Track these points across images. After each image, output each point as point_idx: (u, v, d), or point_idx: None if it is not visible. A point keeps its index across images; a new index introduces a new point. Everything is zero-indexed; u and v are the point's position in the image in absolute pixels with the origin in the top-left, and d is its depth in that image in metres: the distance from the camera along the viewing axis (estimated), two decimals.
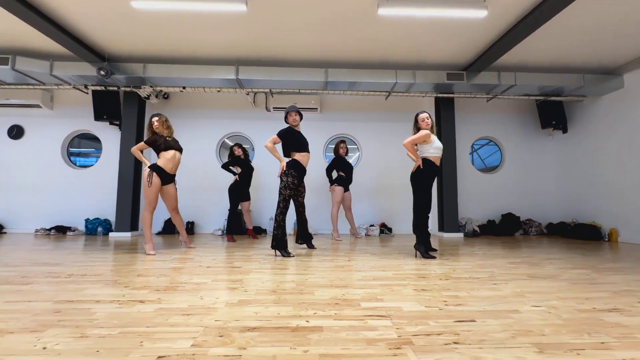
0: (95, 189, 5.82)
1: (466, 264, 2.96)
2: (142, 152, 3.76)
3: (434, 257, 3.26)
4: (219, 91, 5.14)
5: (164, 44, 4.40)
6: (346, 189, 5.01)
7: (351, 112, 6.20)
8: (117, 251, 3.64)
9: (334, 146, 6.23)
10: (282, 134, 3.48)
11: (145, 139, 3.74)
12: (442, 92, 5.31)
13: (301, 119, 3.64)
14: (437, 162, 3.36)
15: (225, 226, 5.69)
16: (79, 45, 4.29)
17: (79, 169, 5.95)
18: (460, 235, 5.49)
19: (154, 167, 3.48)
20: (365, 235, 5.69)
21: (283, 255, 3.28)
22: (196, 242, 4.59)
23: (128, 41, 4.36)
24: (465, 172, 6.08)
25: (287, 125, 3.57)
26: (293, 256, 3.29)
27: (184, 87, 5.08)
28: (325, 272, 2.57)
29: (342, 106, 6.19)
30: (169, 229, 5.72)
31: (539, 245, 4.36)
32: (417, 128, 3.49)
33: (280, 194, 3.37)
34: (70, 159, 6.07)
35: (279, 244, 3.31)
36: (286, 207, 3.37)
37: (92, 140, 6.18)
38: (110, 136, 5.88)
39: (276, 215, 3.33)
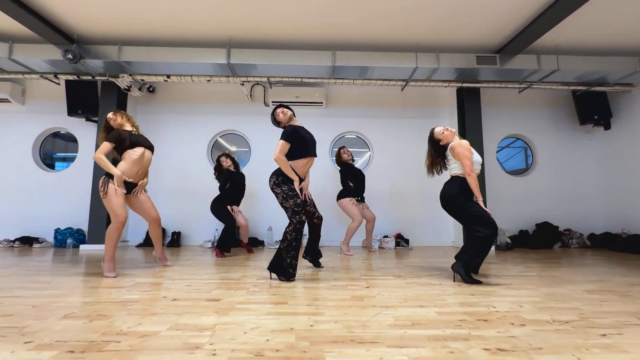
0: (69, 195, 5.09)
1: (529, 293, 2.16)
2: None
3: (479, 282, 2.46)
4: (208, 80, 4.44)
5: (142, 22, 3.72)
6: (360, 200, 4.29)
7: (361, 107, 5.46)
8: (73, 270, 2.87)
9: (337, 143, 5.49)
10: (288, 136, 2.60)
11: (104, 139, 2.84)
12: (467, 80, 4.56)
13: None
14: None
15: (216, 238, 4.92)
16: (43, 24, 3.62)
17: (51, 172, 5.24)
18: (491, 249, 4.66)
19: (111, 175, 2.73)
20: (379, 247, 4.89)
21: (280, 279, 2.50)
22: (179, 257, 3.82)
23: (101, 20, 3.68)
24: (492, 175, 5.29)
25: (290, 125, 2.74)
26: (293, 280, 2.51)
27: (168, 76, 4.38)
28: (339, 310, 1.78)
29: (350, 100, 5.46)
30: (150, 240, 4.94)
31: (595, 263, 3.54)
32: (437, 146, 2.79)
33: (286, 210, 2.59)
34: (42, 161, 5.37)
35: (280, 269, 2.50)
36: (301, 223, 2.51)
37: (71, 141, 5.48)
38: (87, 135, 5.18)
39: (286, 232, 2.52)
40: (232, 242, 4.00)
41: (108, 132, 2.93)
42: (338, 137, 5.56)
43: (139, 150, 2.84)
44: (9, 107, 5.22)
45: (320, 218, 2.89)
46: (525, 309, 1.82)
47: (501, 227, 5.14)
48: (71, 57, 3.77)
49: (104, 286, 2.29)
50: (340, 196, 4.25)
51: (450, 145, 2.68)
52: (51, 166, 5.50)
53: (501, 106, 5.41)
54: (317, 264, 3.06)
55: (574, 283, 2.49)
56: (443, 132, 2.74)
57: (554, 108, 5.52)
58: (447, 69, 4.21)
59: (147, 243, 4.92)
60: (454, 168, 2.69)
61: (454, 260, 2.58)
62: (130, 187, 2.84)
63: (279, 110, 2.79)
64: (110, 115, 2.95)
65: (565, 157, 5.47)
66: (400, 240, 4.91)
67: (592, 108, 4.99)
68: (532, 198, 5.35)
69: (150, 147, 2.96)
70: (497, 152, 5.63)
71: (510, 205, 5.30)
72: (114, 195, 2.64)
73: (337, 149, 4.39)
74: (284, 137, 2.61)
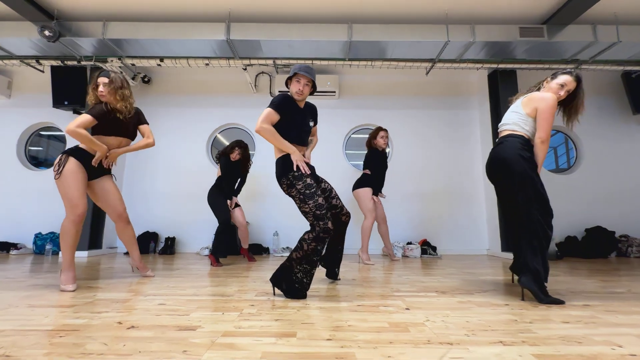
0: (54, 196, 4.57)
1: (633, 321, 1.47)
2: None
3: (561, 302, 1.77)
4: (207, 64, 3.91)
5: None
6: (375, 192, 3.56)
7: (377, 97, 4.86)
8: (28, 282, 2.29)
9: (351, 137, 4.90)
10: (278, 104, 1.98)
11: (88, 108, 2.22)
12: (503, 61, 3.92)
13: (313, 91, 2.11)
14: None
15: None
16: None
17: (36, 171, 4.75)
18: None
19: (71, 151, 2.14)
20: (403, 256, 4.20)
21: (287, 297, 1.86)
22: (169, 265, 3.22)
23: None
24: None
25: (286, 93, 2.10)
26: (304, 296, 1.86)
27: (161, 60, 3.87)
28: (379, 349, 1.13)
29: (365, 89, 4.88)
30: (143, 244, 4.38)
31: None
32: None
33: (306, 215, 1.90)
34: (28, 159, 4.89)
35: (287, 284, 1.87)
36: (326, 231, 1.82)
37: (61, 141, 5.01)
38: None
39: (303, 239, 1.84)
40: (228, 246, 3.36)
41: (95, 96, 2.26)
42: (353, 130, 4.95)
43: (114, 141, 2.29)
44: None
45: (348, 215, 2.23)
46: None
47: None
48: (49, 34, 3.30)
49: (48, 304, 1.69)
50: (359, 185, 3.51)
51: (531, 94, 2.00)
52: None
53: None
54: (332, 275, 2.38)
55: None
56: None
57: (601, 96, 4.82)
58: (482, 46, 3.59)
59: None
60: (516, 123, 2.01)
61: (505, 271, 1.92)
62: (92, 172, 2.23)
63: (302, 76, 2.00)
64: (102, 80, 2.22)
65: (617, 151, 4.74)
66: (427, 248, 4.22)
67: None
68: (577, 199, 4.61)
69: (130, 135, 2.37)
70: None
71: (554, 207, 4.55)
72: (72, 178, 2.05)
73: (374, 129, 3.63)
74: (272, 105, 1.98)
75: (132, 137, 2.41)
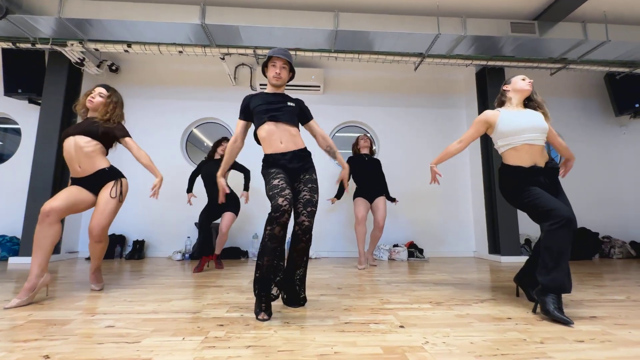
0: (5, 195, 4.09)
1: None
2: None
3: (567, 322, 1.56)
4: (180, 52, 3.58)
5: None
6: (370, 198, 3.44)
7: (364, 94, 4.67)
8: None
9: (336, 135, 4.70)
10: (241, 109, 1.91)
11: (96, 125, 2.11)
12: (494, 57, 3.81)
13: (292, 76, 1.95)
14: (515, 160, 1.85)
15: (187, 248, 3.98)
16: None
17: None
18: (524, 258, 3.86)
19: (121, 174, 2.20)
20: (389, 259, 4.02)
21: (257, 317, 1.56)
22: (134, 274, 2.87)
23: None
24: None
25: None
26: (266, 319, 1.54)
27: (129, 45, 3.50)
28: None
29: (351, 85, 4.67)
30: (108, 249, 3.97)
31: None
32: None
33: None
34: None
35: (258, 291, 1.62)
36: (276, 209, 1.56)
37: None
38: (32, 120, 4.22)
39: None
40: (206, 248, 3.04)
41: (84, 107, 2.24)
42: (337, 128, 4.73)
43: (65, 144, 2.07)
44: None
45: (306, 231, 1.68)
46: None
47: (530, 234, 4.36)
48: None
49: None
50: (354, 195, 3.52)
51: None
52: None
53: None
54: (289, 302, 1.79)
55: None
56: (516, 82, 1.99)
57: (584, 98, 4.83)
58: (472, 41, 3.45)
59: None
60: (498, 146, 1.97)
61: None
62: (85, 183, 2.07)
63: (276, 58, 1.85)
64: (99, 90, 2.20)
65: (600, 152, 4.76)
66: (414, 250, 4.06)
67: (634, 94, 4.30)
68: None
69: (82, 132, 2.06)
70: None
71: None
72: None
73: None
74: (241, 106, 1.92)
75: (84, 132, 2.07)
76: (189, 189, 3.34)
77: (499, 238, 3.91)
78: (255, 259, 1.79)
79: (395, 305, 1.82)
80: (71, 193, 2.00)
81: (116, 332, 1.35)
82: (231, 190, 3.11)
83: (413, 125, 4.67)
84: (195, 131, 4.71)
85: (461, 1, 3.27)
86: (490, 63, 3.87)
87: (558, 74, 4.30)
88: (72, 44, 3.50)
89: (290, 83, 4.26)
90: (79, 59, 3.73)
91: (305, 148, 1.88)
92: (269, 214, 1.58)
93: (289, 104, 1.86)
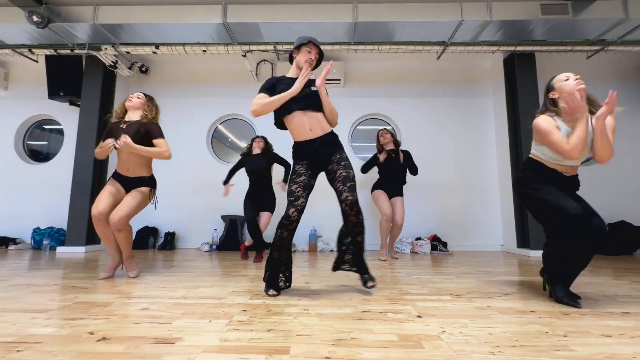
0: (52, 190, 4.47)
1: None
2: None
3: (576, 305, 1.58)
4: (204, 51, 3.71)
5: None
6: (390, 194, 3.42)
7: (385, 85, 4.61)
8: (17, 283, 2.15)
9: (357, 128, 4.68)
10: (266, 86, 1.91)
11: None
12: (522, 42, 3.63)
13: (319, 60, 1.97)
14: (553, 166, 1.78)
15: (214, 239, 4.17)
16: None
17: (35, 165, 4.66)
18: None
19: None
20: (411, 252, 3.99)
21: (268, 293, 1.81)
22: (166, 263, 3.07)
23: None
24: None
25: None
26: (274, 294, 1.79)
27: (157, 47, 3.68)
28: None
29: (372, 77, 4.62)
30: (142, 240, 4.25)
31: None
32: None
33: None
34: (27, 153, 4.80)
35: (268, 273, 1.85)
36: (293, 206, 1.75)
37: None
38: (73, 121, 4.56)
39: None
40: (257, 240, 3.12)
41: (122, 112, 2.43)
42: (359, 121, 4.72)
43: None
44: None
45: (352, 205, 1.78)
46: None
47: None
48: (37, 19, 3.13)
49: (22, 308, 1.54)
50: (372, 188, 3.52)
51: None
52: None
53: None
54: (363, 282, 1.89)
55: None
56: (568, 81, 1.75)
57: (626, 81, 4.48)
58: (498, 26, 3.30)
59: (136, 245, 4.22)
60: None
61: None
62: (124, 182, 2.30)
63: (306, 46, 1.92)
64: (136, 94, 2.39)
65: (639, 142, 4.41)
66: (438, 244, 4.00)
67: None
68: (598, 193, 4.31)
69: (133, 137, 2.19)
70: None
71: None
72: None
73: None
74: (260, 89, 1.93)
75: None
76: (227, 181, 3.40)
77: (528, 231, 3.75)
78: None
79: (414, 296, 1.83)
80: (111, 193, 2.21)
81: (150, 314, 1.47)
82: (271, 190, 3.26)
83: (436, 116, 4.55)
84: (220, 127, 4.87)
85: None
86: (519, 48, 3.68)
87: (597, 57, 4.02)
88: (105, 48, 3.73)
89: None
90: (112, 62, 3.97)
91: (332, 131, 1.92)
92: (282, 218, 1.77)
93: (312, 88, 1.89)
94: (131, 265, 2.33)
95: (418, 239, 4.15)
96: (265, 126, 4.59)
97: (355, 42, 3.56)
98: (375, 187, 3.47)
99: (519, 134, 3.95)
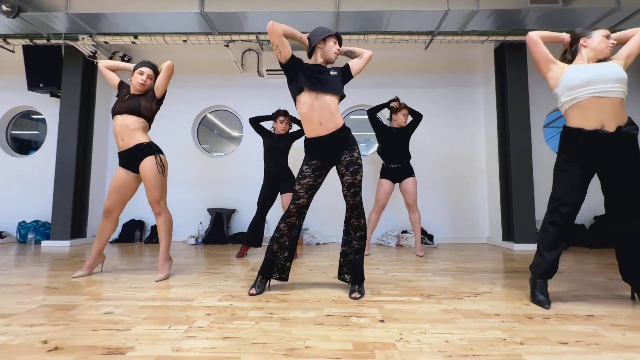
0: (37, 183, 4.43)
1: None
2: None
3: (543, 304, 1.66)
4: (185, 41, 3.59)
5: None
6: (394, 179, 3.24)
7: (374, 75, 4.51)
8: None
9: (351, 117, 4.61)
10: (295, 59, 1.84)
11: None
12: (512, 32, 3.52)
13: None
14: (578, 120, 1.65)
15: (200, 233, 4.16)
16: None
17: (19, 157, 4.60)
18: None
19: (160, 150, 2.33)
20: (397, 245, 4.01)
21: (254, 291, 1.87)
22: (149, 258, 3.06)
23: None
24: (541, 157, 4.25)
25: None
26: (253, 293, 1.85)
27: (135, 37, 3.56)
28: None
29: None
30: (128, 233, 4.25)
31: None
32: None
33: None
34: (10, 144, 4.73)
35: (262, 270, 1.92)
36: (288, 215, 1.88)
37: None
38: (55, 112, 4.47)
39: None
40: (260, 235, 3.04)
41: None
42: (348, 112, 4.64)
43: (116, 120, 2.21)
44: None
45: (354, 207, 1.85)
46: None
47: None
48: (6, 8, 3.00)
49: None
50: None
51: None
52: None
53: None
54: (350, 291, 1.85)
55: None
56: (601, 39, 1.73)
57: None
58: (487, 15, 3.19)
59: (123, 239, 4.22)
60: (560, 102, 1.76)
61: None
62: (126, 159, 2.23)
63: (329, 37, 1.90)
64: (143, 68, 2.26)
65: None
66: (423, 237, 4.00)
67: None
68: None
69: (131, 110, 2.17)
70: (547, 125, 4.56)
71: None
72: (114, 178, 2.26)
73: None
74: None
75: (131, 111, 2.17)
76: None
77: (513, 224, 3.75)
78: (266, 244, 2.09)
79: (384, 297, 1.83)
80: (118, 185, 2.21)
81: (112, 318, 1.46)
82: (290, 170, 3.13)
83: (425, 106, 4.47)
84: (210, 116, 4.79)
85: None
86: (509, 38, 3.58)
87: None
88: (83, 38, 3.61)
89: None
90: (91, 52, 3.86)
91: (344, 125, 1.88)
92: (284, 212, 1.90)
93: (332, 73, 1.86)
94: (162, 266, 2.24)
95: (404, 231, 4.15)
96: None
97: (340, 32, 3.44)
98: (381, 174, 3.27)
99: (507, 125, 3.89)
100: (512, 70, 3.87)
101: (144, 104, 2.20)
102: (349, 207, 1.87)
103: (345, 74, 1.93)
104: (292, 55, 1.81)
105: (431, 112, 4.44)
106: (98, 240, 2.29)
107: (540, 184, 4.05)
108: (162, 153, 2.28)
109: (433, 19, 3.21)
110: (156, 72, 2.29)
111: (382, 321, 1.45)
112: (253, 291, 1.85)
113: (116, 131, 2.20)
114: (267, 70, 4.31)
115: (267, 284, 1.95)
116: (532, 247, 3.65)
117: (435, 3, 3.08)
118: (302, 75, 1.80)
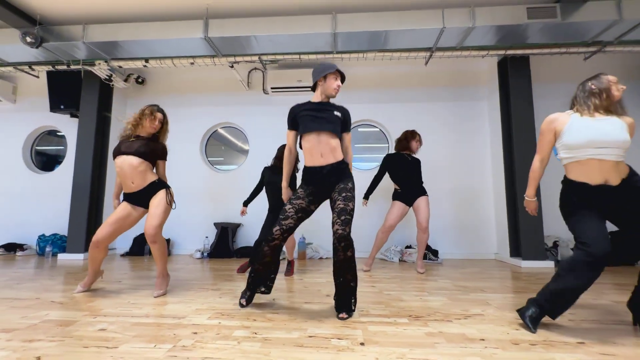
0: (57, 198, 4.70)
1: None
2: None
3: (531, 329, 1.61)
4: (192, 63, 3.78)
5: None
6: (408, 201, 3.22)
7: (376, 91, 4.56)
8: (5, 296, 2.30)
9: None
10: (289, 121, 2.07)
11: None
12: (512, 46, 3.51)
13: (342, 81, 2.04)
14: (580, 175, 1.60)
15: (206, 247, 4.26)
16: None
17: (41, 174, 4.89)
18: (548, 264, 3.57)
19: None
20: (400, 260, 3.96)
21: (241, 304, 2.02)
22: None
23: None
24: (548, 170, 4.12)
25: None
26: (243, 304, 2.01)
27: (146, 61, 3.78)
28: None
29: (363, 83, 4.58)
30: (138, 247, 4.41)
31: None
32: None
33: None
34: (34, 162, 5.05)
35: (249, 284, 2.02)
36: (270, 234, 1.93)
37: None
38: (75, 132, 4.75)
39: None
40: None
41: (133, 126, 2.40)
42: (352, 126, 4.68)
43: (117, 161, 2.29)
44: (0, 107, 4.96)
45: (341, 239, 1.76)
46: None
47: (559, 235, 4.00)
48: (31, 40, 3.28)
49: None
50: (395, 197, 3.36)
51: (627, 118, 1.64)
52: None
53: (558, 81, 4.24)
54: (338, 311, 1.85)
55: None
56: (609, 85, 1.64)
57: (633, 80, 4.24)
58: (486, 30, 3.20)
59: (133, 252, 4.38)
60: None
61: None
62: (136, 198, 2.33)
63: (331, 74, 2.00)
64: (148, 109, 2.37)
65: None
66: (427, 253, 3.94)
67: None
68: None
69: (135, 152, 2.26)
70: None
71: None
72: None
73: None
74: (288, 125, 2.09)
75: (136, 153, 2.26)
76: (248, 202, 3.22)
77: (520, 240, 3.65)
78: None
79: (372, 318, 1.83)
80: (118, 218, 2.28)
81: (105, 335, 1.54)
82: None
83: (430, 121, 4.47)
84: (221, 130, 4.96)
85: None
86: (510, 52, 3.56)
87: (596, 58, 3.83)
88: (99, 63, 3.86)
89: (300, 85, 4.31)
90: (107, 75, 4.11)
91: (343, 160, 1.97)
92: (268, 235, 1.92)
93: (335, 113, 1.97)
94: (161, 283, 2.33)
95: (408, 247, 4.11)
96: (257, 137, 4.65)
97: (339, 51, 3.54)
98: (394, 197, 3.27)
99: (512, 138, 3.83)
100: (515, 82, 3.83)
101: (152, 148, 2.31)
102: (337, 237, 1.75)
103: (344, 125, 2.02)
104: (292, 123, 2.04)
105: (435, 126, 4.43)
106: (92, 265, 2.33)
107: (548, 198, 3.93)
108: (170, 187, 2.41)
109: (430, 36, 3.24)
110: (165, 117, 2.43)
111: (362, 344, 1.46)
112: (243, 302, 1.97)
113: (125, 173, 2.25)
114: (271, 88, 4.45)
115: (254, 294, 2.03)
116: (540, 264, 3.54)
117: (431, 21, 3.12)
118: (304, 121, 1.94)
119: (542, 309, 1.64)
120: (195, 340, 1.49)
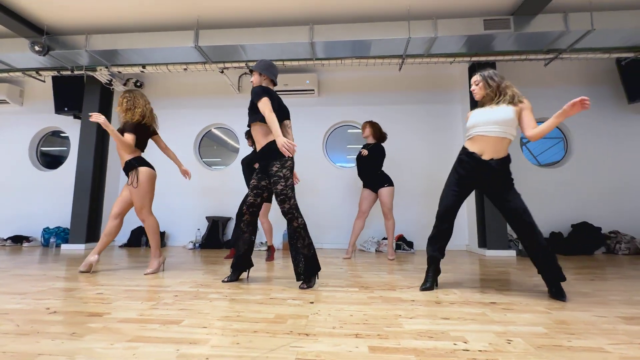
0: (61, 194, 5.04)
1: (533, 319, 1.50)
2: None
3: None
4: (185, 69, 4.13)
5: (109, 8, 3.49)
6: (372, 188, 3.50)
7: (358, 94, 4.89)
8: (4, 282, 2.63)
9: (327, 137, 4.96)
10: (268, 90, 2.15)
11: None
12: (479, 53, 3.84)
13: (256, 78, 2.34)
14: (472, 148, 2.08)
15: (198, 238, 4.59)
16: (8, 17, 3.51)
17: (46, 172, 5.24)
18: (510, 253, 3.88)
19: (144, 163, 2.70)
20: (376, 251, 4.28)
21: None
22: (147, 260, 3.50)
23: (68, 8, 3.50)
24: (517, 167, 4.46)
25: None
26: (225, 280, 2.31)
27: (143, 67, 4.13)
28: (241, 337, 1.28)
29: (345, 87, 4.92)
30: (136, 238, 4.74)
31: None
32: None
33: (288, 199, 2.15)
34: (39, 160, 5.40)
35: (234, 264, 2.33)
36: (243, 214, 2.31)
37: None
38: (77, 132, 5.11)
39: (300, 228, 2.16)
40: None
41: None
42: (333, 128, 5.03)
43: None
44: (7, 109, 5.32)
45: (284, 214, 2.13)
46: (515, 346, 1.20)
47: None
48: (39, 49, 3.63)
49: None
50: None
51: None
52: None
53: (524, 85, 4.57)
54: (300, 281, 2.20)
55: (607, 305, 1.77)
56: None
57: (593, 85, 4.57)
58: (451, 40, 3.53)
59: (130, 243, 4.72)
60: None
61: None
62: (126, 175, 2.67)
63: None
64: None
65: (609, 144, 4.49)
66: (402, 243, 4.26)
67: None
68: (566, 194, 4.44)
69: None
70: (527, 142, 4.77)
71: (540, 202, 4.44)
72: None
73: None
74: (263, 93, 2.10)
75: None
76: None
77: (486, 231, 3.96)
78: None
79: (329, 287, 2.15)
80: (122, 196, 2.65)
81: (101, 297, 1.87)
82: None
83: (407, 122, 4.80)
84: (215, 131, 5.30)
85: (433, 3, 3.37)
86: (475, 59, 3.89)
87: (555, 64, 4.16)
88: (100, 69, 4.22)
89: (287, 88, 4.65)
90: (107, 80, 4.47)
91: (269, 143, 2.16)
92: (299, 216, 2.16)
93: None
94: (152, 262, 2.63)
95: (384, 238, 4.42)
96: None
97: (317, 57, 3.87)
98: (363, 185, 3.59)
99: None
100: None
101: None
102: (283, 214, 2.11)
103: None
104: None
105: (411, 128, 4.76)
106: (103, 239, 2.59)
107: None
108: (143, 166, 2.57)
109: (400, 45, 3.58)
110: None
111: (311, 302, 1.78)
112: (225, 279, 2.29)
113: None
114: None
115: (239, 275, 2.32)
116: (502, 253, 3.85)
117: (399, 31, 3.45)
118: (281, 111, 2.30)
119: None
120: (176, 300, 1.81)
